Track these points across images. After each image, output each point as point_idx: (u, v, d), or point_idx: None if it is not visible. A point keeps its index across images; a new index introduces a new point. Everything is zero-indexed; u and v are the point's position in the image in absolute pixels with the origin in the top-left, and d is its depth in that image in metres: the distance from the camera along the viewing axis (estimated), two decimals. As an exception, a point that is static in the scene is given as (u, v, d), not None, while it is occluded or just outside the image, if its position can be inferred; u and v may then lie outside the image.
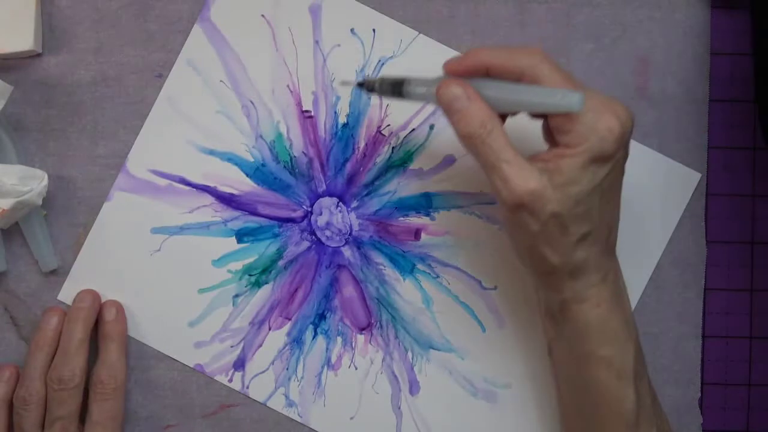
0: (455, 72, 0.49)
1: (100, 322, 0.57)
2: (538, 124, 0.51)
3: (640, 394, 0.50)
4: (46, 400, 0.55)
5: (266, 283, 0.58)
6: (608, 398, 0.50)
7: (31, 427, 0.54)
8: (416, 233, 0.58)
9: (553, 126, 0.48)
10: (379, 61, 0.58)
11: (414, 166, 0.58)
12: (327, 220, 0.58)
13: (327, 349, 0.58)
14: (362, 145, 0.58)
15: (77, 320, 0.55)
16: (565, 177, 0.47)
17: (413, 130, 0.58)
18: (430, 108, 0.58)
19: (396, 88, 0.51)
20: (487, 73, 0.49)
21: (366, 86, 0.52)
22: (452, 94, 0.48)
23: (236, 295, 0.58)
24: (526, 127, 0.51)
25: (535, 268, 0.50)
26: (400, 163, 0.58)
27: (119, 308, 0.57)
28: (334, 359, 0.58)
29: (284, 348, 0.58)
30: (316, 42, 0.58)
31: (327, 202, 0.58)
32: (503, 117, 0.50)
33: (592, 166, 0.47)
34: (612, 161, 0.48)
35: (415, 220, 0.58)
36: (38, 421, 0.54)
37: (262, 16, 0.58)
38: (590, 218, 0.48)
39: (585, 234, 0.48)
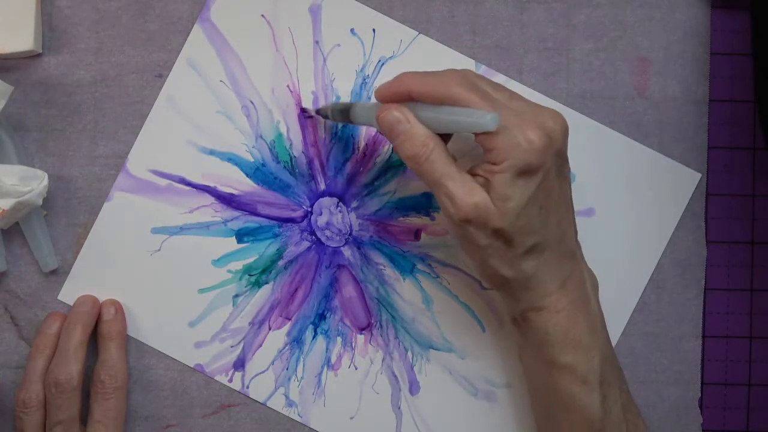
0: (384, 98, 0.51)
1: (99, 322, 0.57)
2: None
3: (607, 401, 0.51)
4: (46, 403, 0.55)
5: (266, 283, 0.58)
6: (573, 405, 0.50)
7: (32, 431, 0.54)
8: (416, 233, 0.58)
9: (479, 143, 0.49)
10: (379, 61, 0.58)
11: (414, 166, 0.58)
12: (327, 220, 0.58)
13: (327, 349, 0.58)
14: (362, 145, 0.58)
15: (76, 323, 0.55)
16: (498, 193, 0.48)
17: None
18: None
19: (344, 113, 0.54)
20: (412, 98, 0.50)
21: (321, 114, 0.56)
22: (393, 118, 0.49)
23: (236, 295, 0.58)
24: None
25: (489, 281, 0.51)
26: (400, 163, 0.58)
27: (118, 307, 0.57)
28: (334, 359, 0.58)
29: (284, 348, 0.58)
30: (316, 42, 0.58)
31: (327, 202, 0.58)
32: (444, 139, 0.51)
33: (521, 180, 0.48)
34: (540, 172, 0.48)
35: (415, 220, 0.58)
36: (39, 425, 0.54)
37: (262, 16, 0.58)
38: (534, 230, 0.49)
39: (532, 246, 0.49)
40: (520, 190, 0.48)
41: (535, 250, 0.49)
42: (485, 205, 0.48)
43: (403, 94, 0.50)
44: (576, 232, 0.52)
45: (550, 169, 0.49)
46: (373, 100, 0.54)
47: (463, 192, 0.48)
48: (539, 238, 0.49)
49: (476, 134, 0.48)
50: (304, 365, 0.58)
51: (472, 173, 0.49)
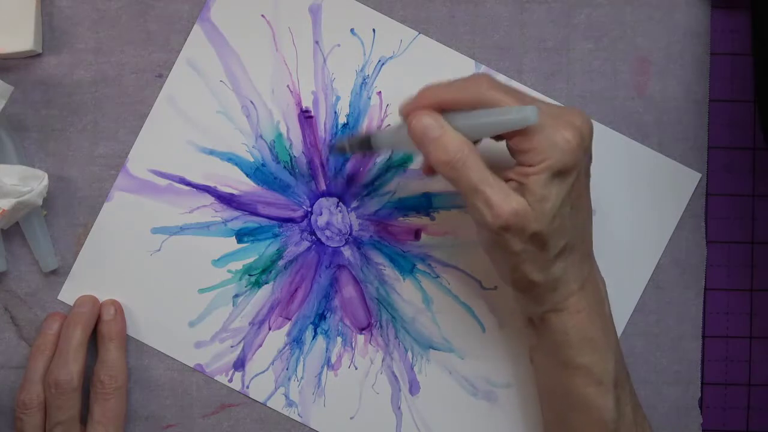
0: (411, 113, 0.50)
1: (99, 322, 0.57)
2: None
3: (620, 403, 0.51)
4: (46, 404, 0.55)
5: (266, 283, 0.58)
6: (587, 406, 0.50)
7: (32, 432, 0.54)
8: (416, 233, 0.58)
9: (513, 147, 0.48)
10: (379, 61, 0.58)
11: (414, 166, 0.58)
12: (327, 220, 0.58)
13: (327, 349, 0.58)
14: (362, 145, 0.58)
15: (76, 324, 0.55)
16: (535, 195, 0.47)
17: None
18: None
19: (365, 144, 0.53)
20: (440, 110, 0.49)
21: (338, 149, 0.55)
22: (425, 123, 0.48)
23: (236, 295, 0.58)
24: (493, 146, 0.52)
25: (516, 286, 0.51)
26: (400, 163, 0.58)
27: (118, 307, 0.57)
28: (334, 359, 0.58)
29: (284, 348, 0.58)
30: (316, 42, 0.58)
31: (327, 202, 0.58)
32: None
33: (557, 180, 0.47)
34: (575, 171, 0.48)
35: (415, 220, 0.58)
36: (39, 426, 0.54)
37: (262, 16, 0.58)
38: (565, 231, 0.48)
39: (563, 248, 0.49)
40: (556, 190, 0.47)
41: (565, 251, 0.49)
42: (524, 210, 0.47)
43: (430, 107, 0.49)
44: (591, 233, 0.52)
45: (583, 167, 0.49)
46: (395, 122, 0.53)
47: (501, 198, 0.47)
48: (568, 239, 0.49)
49: (510, 137, 0.48)
50: (304, 365, 0.58)
51: (504, 178, 0.48)
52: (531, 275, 0.49)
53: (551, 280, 0.49)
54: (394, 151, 0.57)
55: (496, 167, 0.49)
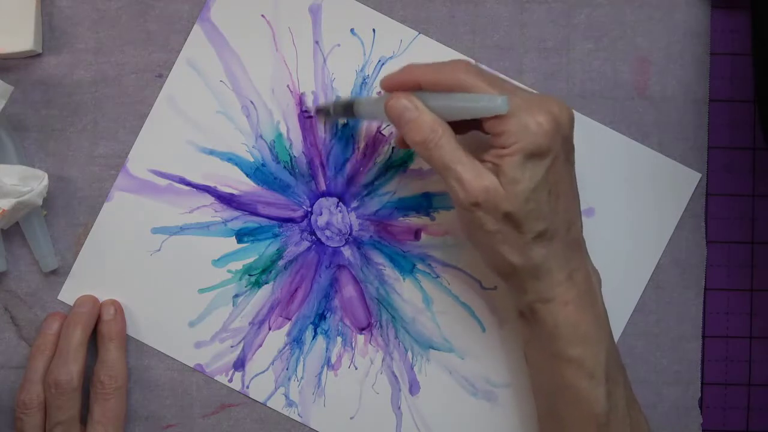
0: (392, 87, 0.52)
1: (99, 322, 0.57)
2: None
3: (613, 397, 0.51)
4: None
5: (266, 283, 0.58)
6: (579, 399, 0.50)
7: (32, 432, 0.54)
8: (416, 233, 0.58)
9: (488, 130, 0.50)
10: (379, 61, 0.58)
11: (414, 166, 0.58)
12: (327, 220, 0.58)
13: (327, 349, 0.58)
14: (362, 145, 0.58)
15: (76, 324, 0.55)
16: (507, 177, 0.48)
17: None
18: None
19: (347, 109, 0.54)
20: (419, 88, 0.51)
21: (322, 111, 0.57)
22: (402, 106, 0.50)
23: (236, 295, 0.58)
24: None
25: (497, 270, 0.52)
26: (400, 163, 0.58)
27: (118, 307, 0.57)
28: (334, 359, 0.58)
29: (284, 348, 0.58)
30: (316, 42, 0.58)
31: (327, 202, 0.58)
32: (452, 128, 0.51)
33: (530, 163, 0.48)
34: (550, 155, 0.49)
35: (415, 220, 0.58)
36: (39, 426, 0.54)
37: (262, 16, 0.58)
38: (543, 215, 0.49)
39: (541, 232, 0.49)
40: (530, 173, 0.48)
41: (544, 236, 0.49)
42: (495, 189, 0.48)
43: (410, 84, 0.51)
44: (581, 225, 0.52)
45: (559, 154, 0.49)
46: (375, 94, 0.55)
47: (473, 176, 0.48)
48: (548, 224, 0.49)
49: (485, 120, 0.49)
50: (304, 365, 0.58)
51: (481, 160, 0.49)
52: (509, 257, 0.50)
53: (531, 266, 0.50)
54: (371, 121, 0.57)
55: (479, 150, 0.50)
